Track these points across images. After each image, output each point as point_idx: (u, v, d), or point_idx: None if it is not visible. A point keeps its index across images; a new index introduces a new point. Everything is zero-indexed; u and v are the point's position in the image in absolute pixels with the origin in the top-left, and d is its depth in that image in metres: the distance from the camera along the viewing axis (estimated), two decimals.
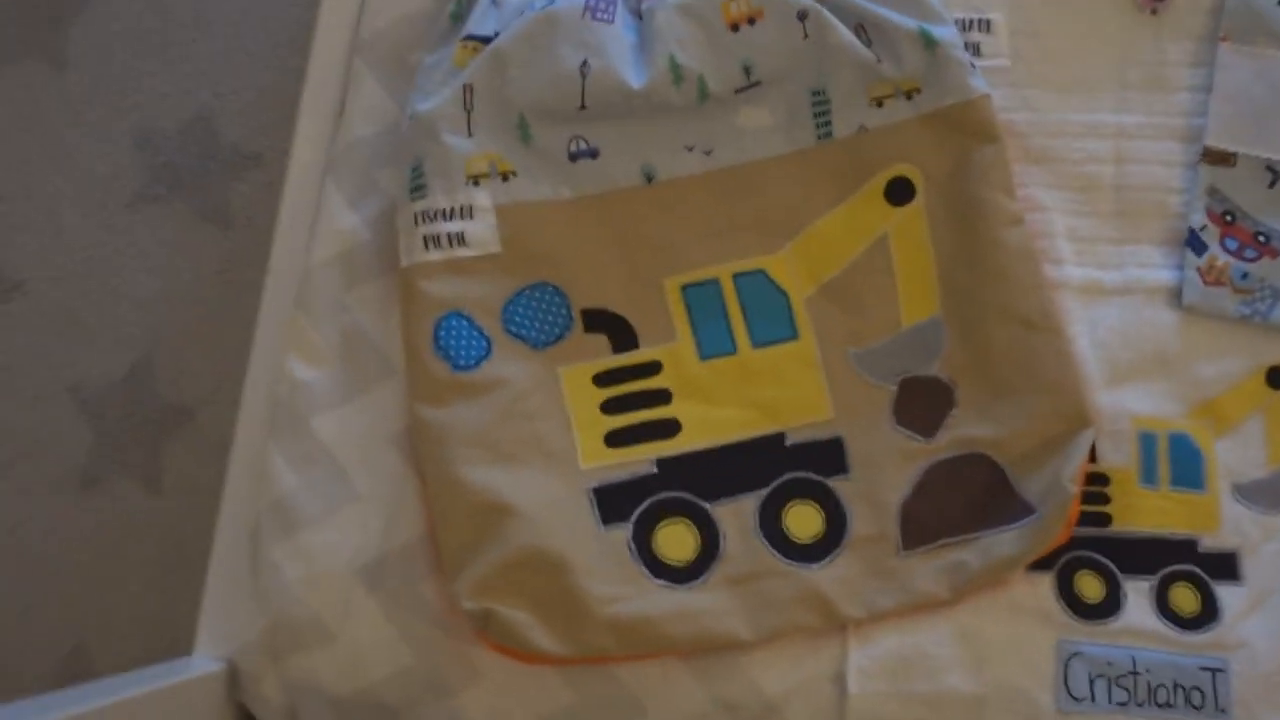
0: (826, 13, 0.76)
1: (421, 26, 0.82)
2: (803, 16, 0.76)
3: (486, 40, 0.77)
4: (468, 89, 0.76)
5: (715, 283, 0.77)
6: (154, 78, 1.05)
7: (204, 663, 0.73)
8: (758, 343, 0.76)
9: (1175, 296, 0.78)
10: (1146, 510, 0.74)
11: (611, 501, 0.72)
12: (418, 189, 0.75)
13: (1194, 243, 0.78)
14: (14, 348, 1.02)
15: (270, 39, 1.08)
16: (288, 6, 1.09)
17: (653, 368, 0.75)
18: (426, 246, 0.74)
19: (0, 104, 1.05)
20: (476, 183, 0.76)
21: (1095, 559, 0.74)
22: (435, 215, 0.75)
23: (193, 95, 1.06)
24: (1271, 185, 0.79)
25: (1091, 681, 0.70)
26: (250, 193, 1.04)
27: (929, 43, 0.76)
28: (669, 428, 0.74)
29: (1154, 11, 0.82)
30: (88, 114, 1.06)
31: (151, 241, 1.04)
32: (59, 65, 1.05)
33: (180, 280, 1.03)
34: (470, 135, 0.76)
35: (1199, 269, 0.78)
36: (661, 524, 0.72)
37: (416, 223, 0.75)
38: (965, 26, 0.81)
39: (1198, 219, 0.79)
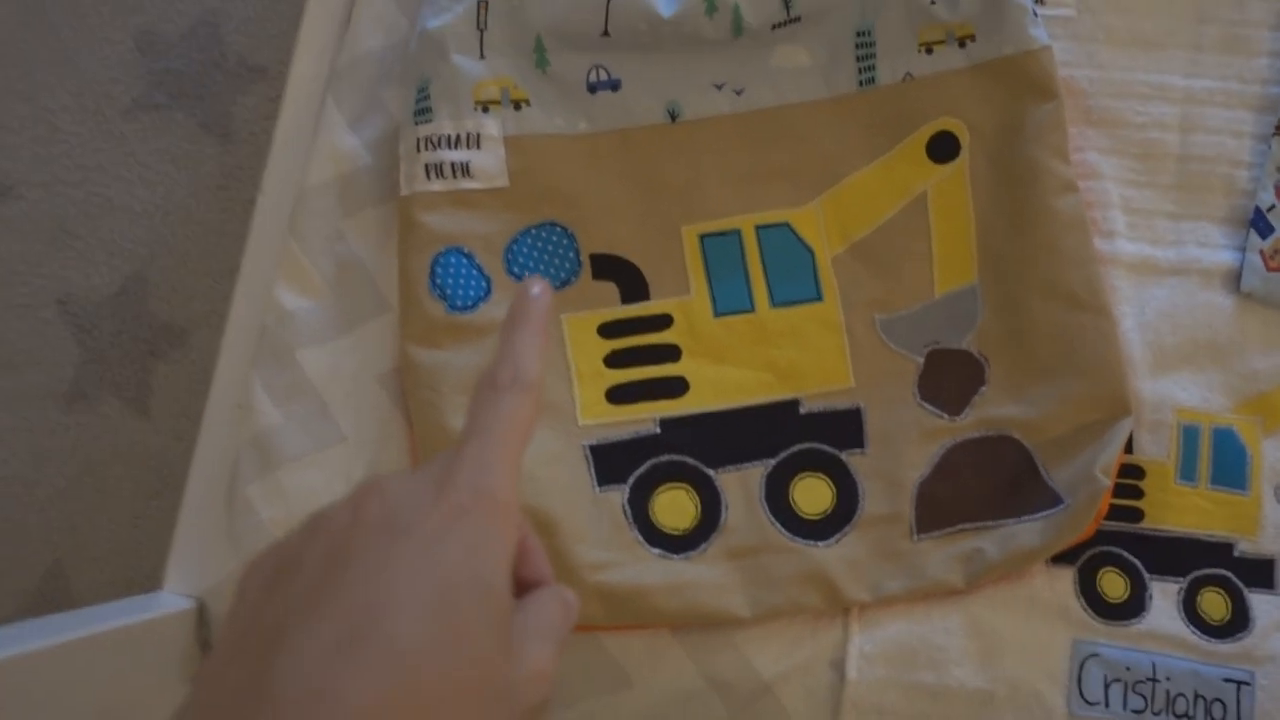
0: None
1: None
2: None
3: None
4: (482, 6, 0.70)
5: (736, 234, 0.71)
6: None
7: (173, 599, 0.69)
8: (778, 302, 0.71)
9: (1234, 280, 0.72)
10: (1182, 508, 0.69)
11: (609, 461, 0.68)
12: (423, 112, 0.70)
13: (1259, 223, 0.72)
14: (1, 254, 0.97)
15: None
16: None
17: (663, 321, 0.70)
18: (428, 175, 0.69)
19: None
20: (486, 109, 0.70)
21: (1122, 556, 0.69)
22: (440, 142, 0.70)
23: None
24: None
25: (1107, 685, 0.66)
26: (255, 105, 0.99)
27: None
28: (676, 386, 0.70)
29: None
30: (89, 14, 1.01)
31: (148, 152, 0.99)
32: None
33: (177, 194, 0.99)
34: (482, 57, 0.70)
35: (1262, 252, 0.72)
36: (661, 489, 0.68)
37: (419, 149, 0.70)
38: None
39: (1266, 198, 0.72)
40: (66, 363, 0.97)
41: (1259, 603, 0.68)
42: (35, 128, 0.99)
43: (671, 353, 0.70)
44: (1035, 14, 0.71)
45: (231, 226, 0.98)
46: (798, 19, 0.70)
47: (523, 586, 0.38)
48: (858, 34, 0.71)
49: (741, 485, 0.68)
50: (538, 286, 0.39)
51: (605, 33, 0.70)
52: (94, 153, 0.99)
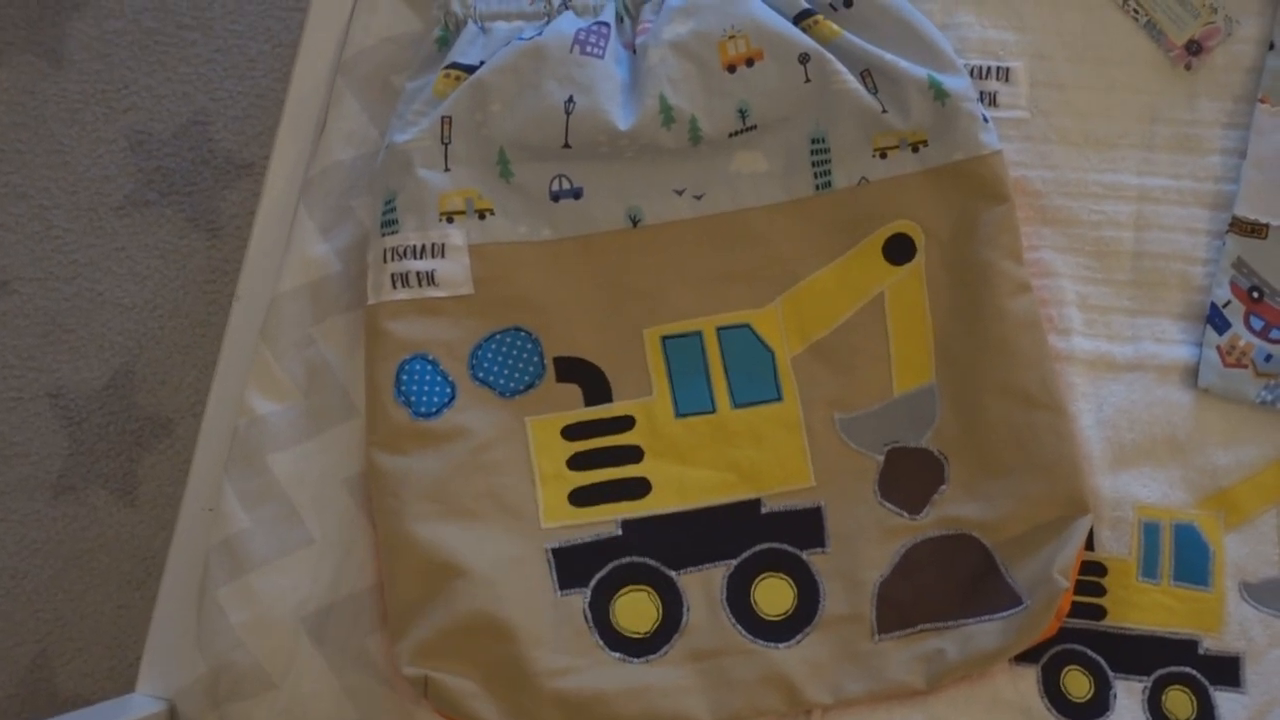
0: (830, 57, 0.71)
1: (408, 48, 0.78)
2: (805, 59, 0.71)
3: (470, 70, 0.73)
4: (446, 121, 0.72)
5: (698, 335, 0.73)
6: (151, 78, 1.03)
7: (144, 702, 0.70)
8: (738, 402, 0.72)
9: (1191, 376, 0.73)
10: (1145, 606, 0.69)
11: (571, 564, 0.69)
12: (389, 224, 0.72)
13: (1215, 319, 0.73)
14: None
15: (272, 43, 1.05)
16: (291, 11, 1.07)
17: (625, 423, 0.72)
18: (394, 285, 0.71)
19: None
20: (451, 220, 0.72)
21: (1085, 654, 0.69)
22: (405, 252, 0.72)
23: (189, 99, 1.03)
24: None
25: None
26: (241, 201, 1.01)
27: (939, 93, 0.71)
28: (638, 487, 0.71)
29: (1188, 67, 0.76)
30: (84, 113, 1.04)
31: (139, 248, 1.01)
32: (56, 62, 1.03)
33: (166, 289, 1.01)
34: (447, 170, 0.72)
35: (1219, 348, 0.72)
36: (622, 591, 0.68)
37: (386, 259, 0.72)
38: (982, 75, 0.76)
39: (1221, 293, 0.73)
40: (55, 454, 0.99)
41: (1225, 701, 0.68)
42: (31, 224, 1.02)
43: (634, 454, 0.71)
44: (986, 120, 0.72)
45: (217, 320, 1.00)
46: (754, 127, 0.72)
47: None
48: (813, 140, 0.73)
49: (703, 586, 0.69)
50: None
51: (566, 145, 0.72)
52: (87, 248, 1.01)
